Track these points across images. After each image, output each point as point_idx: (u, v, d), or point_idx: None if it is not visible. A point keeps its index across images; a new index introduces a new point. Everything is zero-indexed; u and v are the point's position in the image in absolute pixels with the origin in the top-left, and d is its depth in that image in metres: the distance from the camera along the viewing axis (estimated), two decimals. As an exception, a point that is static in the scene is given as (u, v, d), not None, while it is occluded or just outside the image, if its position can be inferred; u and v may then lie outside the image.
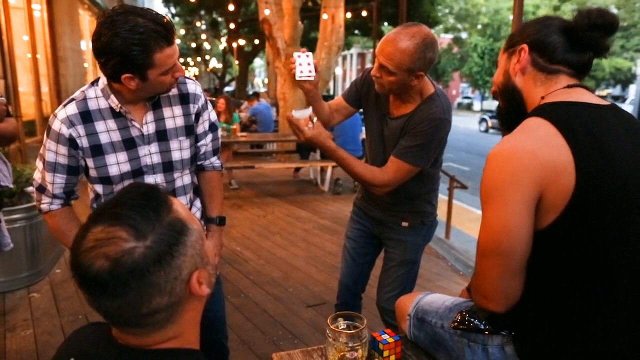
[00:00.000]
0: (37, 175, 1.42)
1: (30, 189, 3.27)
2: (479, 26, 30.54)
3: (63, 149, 1.34)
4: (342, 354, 1.10)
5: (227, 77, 27.32)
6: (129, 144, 1.38)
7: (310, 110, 1.64)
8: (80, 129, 1.33)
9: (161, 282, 0.67)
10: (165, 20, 1.22)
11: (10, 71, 4.68)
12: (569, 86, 1.03)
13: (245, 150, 8.18)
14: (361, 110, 1.91)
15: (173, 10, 20.26)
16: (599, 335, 0.95)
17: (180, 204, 0.74)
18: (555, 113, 0.96)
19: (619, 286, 0.94)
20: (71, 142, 1.33)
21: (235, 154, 7.27)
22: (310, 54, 1.67)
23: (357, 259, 2.00)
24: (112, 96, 1.33)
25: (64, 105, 1.35)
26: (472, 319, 1.10)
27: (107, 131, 1.35)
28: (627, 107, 23.48)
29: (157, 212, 0.68)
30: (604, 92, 35.18)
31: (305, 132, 1.56)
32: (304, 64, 1.65)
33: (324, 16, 8.05)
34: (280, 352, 1.23)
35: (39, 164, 1.41)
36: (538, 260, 0.96)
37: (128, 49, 1.16)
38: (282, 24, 7.83)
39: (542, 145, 0.92)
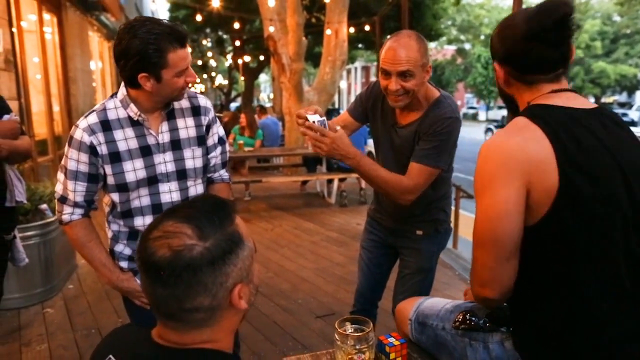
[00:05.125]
0: (58, 187, 1.48)
1: (44, 206, 3.35)
2: (482, 37, 30.73)
3: (84, 157, 1.41)
4: (350, 356, 1.14)
5: (233, 93, 27.63)
6: (145, 152, 1.46)
7: (319, 116, 1.59)
8: (101, 137, 1.41)
9: (209, 283, 0.73)
10: (178, 26, 1.35)
11: (23, 92, 4.82)
12: (553, 91, 1.06)
13: (252, 164, 8.27)
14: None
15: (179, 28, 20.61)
16: (599, 324, 0.98)
17: (242, 222, 0.82)
18: (541, 115, 1.01)
19: (617, 275, 0.98)
20: (92, 150, 1.40)
21: (250, 168, 7.39)
22: (324, 119, 1.58)
23: (372, 268, 2.02)
24: (132, 105, 1.42)
25: (86, 116, 1.44)
26: (473, 318, 1.14)
27: (125, 139, 1.44)
28: (634, 113, 23.34)
29: (222, 221, 0.76)
30: (610, 99, 35.05)
31: (330, 134, 1.53)
32: (323, 126, 1.57)
33: (328, 31, 8.19)
34: (290, 357, 1.27)
35: (60, 175, 1.48)
36: (533, 253, 1.00)
37: (145, 48, 1.28)
38: (287, 40, 7.97)
39: (530, 142, 0.97)
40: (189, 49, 1.41)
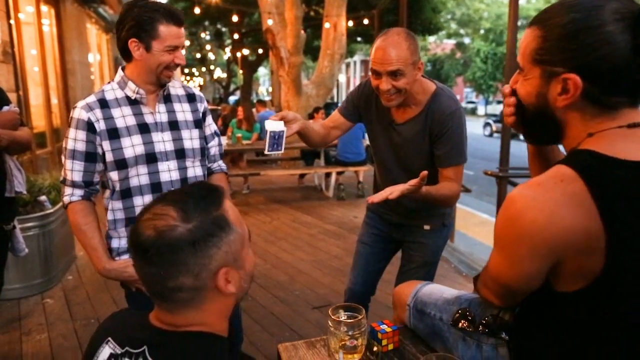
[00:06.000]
0: (62, 172, 1.53)
1: (42, 198, 3.37)
2: (482, 31, 30.65)
3: (82, 134, 1.45)
4: (342, 342, 1.17)
5: (232, 87, 27.55)
6: (144, 129, 1.51)
7: (282, 124, 1.50)
8: (98, 113, 1.46)
9: (190, 263, 0.76)
10: (177, 9, 1.45)
11: (22, 84, 4.82)
12: (628, 126, 0.79)
13: (251, 157, 8.29)
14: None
15: (178, 21, 20.51)
16: None
17: (233, 208, 0.85)
18: (600, 177, 0.76)
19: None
20: (89, 127, 1.45)
21: (248, 161, 7.41)
22: (284, 130, 1.50)
23: (372, 263, 2.00)
24: (130, 82, 1.48)
25: (84, 99, 1.49)
26: (470, 318, 1.14)
27: (122, 116, 1.49)
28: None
29: (208, 206, 0.80)
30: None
31: None
32: (277, 138, 1.49)
33: (326, 25, 8.17)
34: (285, 343, 1.31)
35: (62, 159, 1.52)
36: (556, 314, 0.88)
37: (140, 16, 1.39)
38: (285, 34, 7.95)
39: (571, 219, 0.75)
40: (184, 32, 1.48)
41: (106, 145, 1.47)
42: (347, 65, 37.82)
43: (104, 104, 1.47)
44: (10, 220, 2.14)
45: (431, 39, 27.80)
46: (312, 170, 6.94)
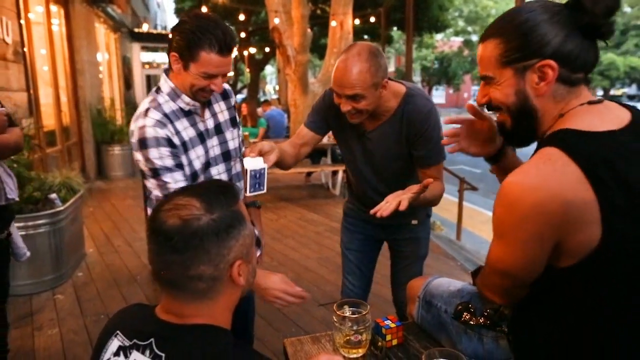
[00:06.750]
0: (156, 192, 1.44)
1: (53, 195, 3.42)
2: (489, 28, 30.35)
3: (165, 150, 1.40)
4: (347, 337, 1.19)
5: (239, 85, 27.62)
6: (202, 138, 1.53)
7: (262, 161, 1.36)
8: (171, 128, 1.43)
9: (212, 252, 0.80)
10: (231, 37, 1.38)
11: (32, 84, 4.89)
12: (589, 102, 0.90)
13: (257, 156, 8.32)
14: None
15: (185, 20, 20.61)
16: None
17: (244, 206, 0.90)
18: (581, 150, 0.82)
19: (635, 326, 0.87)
20: (169, 142, 1.41)
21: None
22: (265, 167, 1.36)
23: (364, 268, 2.00)
24: (183, 95, 1.46)
25: (144, 116, 1.41)
26: (472, 311, 1.16)
27: (184, 129, 1.48)
28: (643, 106, 23.17)
29: (227, 200, 0.85)
30: (619, 92, 34.70)
31: None
32: (259, 177, 1.34)
33: (333, 23, 8.17)
34: (291, 338, 1.33)
35: (151, 181, 1.44)
36: (553, 291, 0.91)
37: (187, 34, 1.35)
38: (292, 32, 7.97)
39: (568, 192, 0.79)
40: (229, 61, 1.41)
41: (184, 159, 1.46)
42: (354, 63, 37.66)
43: (169, 118, 1.44)
44: (4, 229, 2.03)
45: (438, 36, 27.65)
46: (318, 168, 6.96)
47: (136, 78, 12.37)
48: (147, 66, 13.38)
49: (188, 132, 1.48)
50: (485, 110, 1.06)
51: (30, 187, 3.25)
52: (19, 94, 4.46)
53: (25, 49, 4.70)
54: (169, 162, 1.41)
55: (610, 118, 0.88)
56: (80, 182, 3.82)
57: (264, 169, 1.34)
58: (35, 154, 4.58)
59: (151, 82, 14.00)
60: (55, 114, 6.05)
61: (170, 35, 1.40)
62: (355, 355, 1.19)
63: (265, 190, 1.37)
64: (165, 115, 1.44)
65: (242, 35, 17.10)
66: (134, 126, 1.42)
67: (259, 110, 8.42)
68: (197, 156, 1.49)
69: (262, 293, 1.36)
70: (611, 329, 0.87)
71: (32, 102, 4.81)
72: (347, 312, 1.25)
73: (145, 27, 13.07)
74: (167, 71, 1.49)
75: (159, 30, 18.01)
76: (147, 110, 1.43)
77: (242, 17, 12.32)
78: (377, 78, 1.50)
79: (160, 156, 1.40)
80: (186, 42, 1.35)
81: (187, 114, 1.49)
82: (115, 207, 5.68)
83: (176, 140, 1.44)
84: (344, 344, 1.20)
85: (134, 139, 1.41)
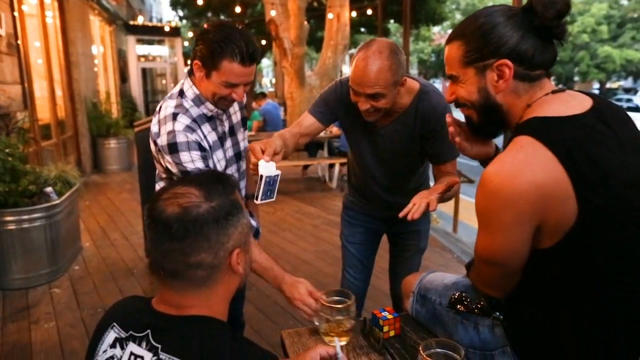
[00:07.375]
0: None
1: (49, 189, 3.40)
2: (487, 21, 30.28)
3: (196, 154, 1.42)
4: (331, 324, 1.23)
5: (235, 78, 27.46)
6: (222, 142, 1.58)
7: (275, 166, 1.33)
8: (200, 132, 1.47)
9: (212, 239, 0.81)
10: (253, 48, 1.39)
11: (26, 76, 4.84)
12: (553, 92, 0.97)
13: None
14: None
15: (180, 12, 20.45)
16: (598, 345, 0.95)
17: (240, 197, 0.91)
18: (549, 135, 0.89)
19: (622, 300, 0.93)
20: (200, 146, 1.44)
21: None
22: (279, 174, 1.33)
23: (365, 262, 2.01)
24: (207, 103, 1.49)
25: (173, 120, 1.43)
26: (467, 300, 1.17)
27: (209, 133, 1.52)
28: (639, 99, 23.16)
29: (225, 189, 0.86)
30: (615, 85, 34.75)
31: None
32: (272, 184, 1.32)
33: (329, 15, 8.13)
34: (288, 330, 1.33)
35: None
36: (542, 272, 0.95)
37: (211, 44, 1.37)
38: (288, 25, 7.92)
39: (542, 174, 0.85)
40: (251, 71, 1.42)
41: (210, 162, 1.49)
42: (351, 56, 37.62)
43: (197, 123, 1.47)
44: None
45: (435, 29, 27.56)
46: (315, 161, 6.95)
47: (132, 71, 12.28)
48: (142, 59, 13.28)
49: (211, 137, 1.52)
50: (454, 106, 1.15)
51: (25, 181, 3.22)
52: (13, 87, 4.42)
53: (19, 42, 4.65)
54: (200, 164, 1.42)
55: (573, 104, 0.95)
56: (76, 175, 3.79)
57: (278, 175, 1.31)
58: (31, 147, 4.55)
59: (147, 75, 13.91)
60: (50, 107, 6.00)
61: (196, 40, 1.43)
62: (342, 343, 1.20)
63: (274, 199, 1.34)
64: (194, 120, 1.47)
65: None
66: (162, 129, 1.43)
67: (253, 104, 8.36)
68: (217, 160, 1.54)
69: (289, 301, 1.38)
70: (593, 308, 0.93)
71: (27, 95, 4.77)
72: (332, 300, 1.28)
73: (140, 20, 12.97)
74: (190, 74, 1.49)
75: (155, 22, 17.88)
76: (175, 114, 1.44)
77: (238, 9, 12.23)
78: (398, 76, 1.46)
79: (192, 159, 1.42)
80: (209, 51, 1.37)
81: (209, 118, 1.52)
82: (111, 201, 5.67)
83: (204, 144, 1.47)
84: (328, 331, 1.23)
85: (161, 142, 1.43)
